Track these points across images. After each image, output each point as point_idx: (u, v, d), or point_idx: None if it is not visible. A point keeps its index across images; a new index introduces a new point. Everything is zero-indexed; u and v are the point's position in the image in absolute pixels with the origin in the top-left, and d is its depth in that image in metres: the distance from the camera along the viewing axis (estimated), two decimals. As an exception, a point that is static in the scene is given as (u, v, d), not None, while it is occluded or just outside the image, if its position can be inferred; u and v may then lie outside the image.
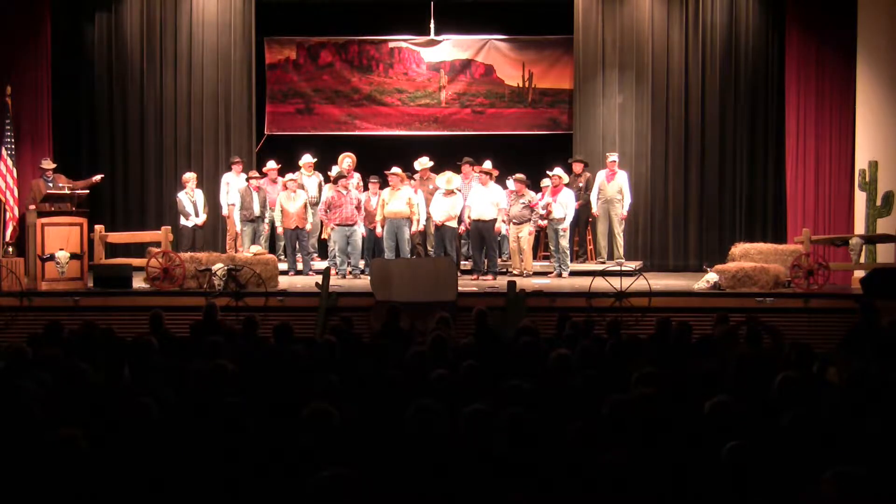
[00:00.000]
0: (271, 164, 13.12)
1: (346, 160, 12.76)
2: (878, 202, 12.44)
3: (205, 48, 13.93)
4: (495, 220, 11.98)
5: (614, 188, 12.83)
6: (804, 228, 11.94)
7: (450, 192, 12.12)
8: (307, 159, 13.08)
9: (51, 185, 11.66)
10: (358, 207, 12.12)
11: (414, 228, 12.22)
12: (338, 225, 12.01)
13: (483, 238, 12.01)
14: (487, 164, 12.57)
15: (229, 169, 13.23)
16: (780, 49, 13.57)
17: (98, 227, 11.67)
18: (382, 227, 12.13)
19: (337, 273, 12.01)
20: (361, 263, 12.24)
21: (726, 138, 13.79)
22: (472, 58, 14.62)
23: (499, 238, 12.75)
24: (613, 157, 12.96)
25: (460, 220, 12.27)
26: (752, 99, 13.76)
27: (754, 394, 5.10)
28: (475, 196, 12.09)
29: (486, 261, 12.09)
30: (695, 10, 13.79)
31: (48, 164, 11.92)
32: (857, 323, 7.80)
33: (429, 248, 12.66)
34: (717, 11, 13.75)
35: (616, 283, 10.05)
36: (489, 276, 11.95)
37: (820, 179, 13.27)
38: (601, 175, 12.93)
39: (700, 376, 5.50)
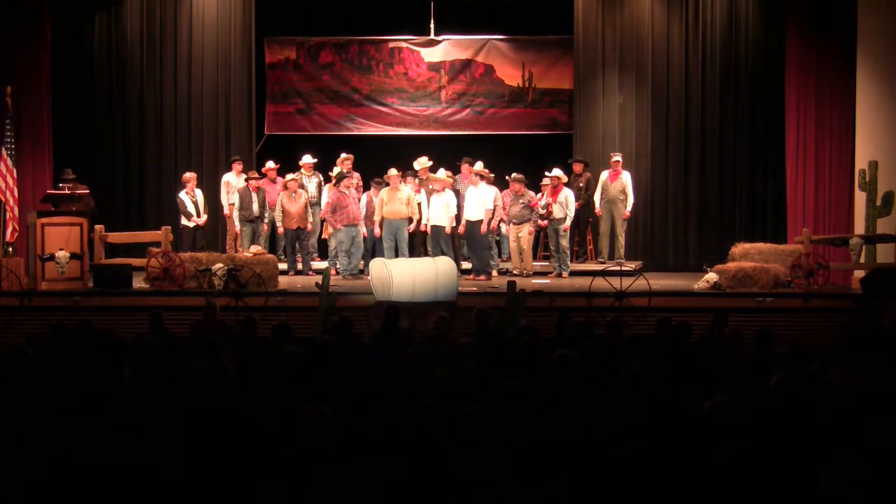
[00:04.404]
0: (270, 164, 13.13)
1: (346, 160, 12.75)
2: (878, 202, 12.42)
3: (205, 48, 13.94)
4: (482, 220, 12.03)
5: (617, 188, 12.82)
6: (804, 228, 11.95)
7: (441, 190, 12.13)
8: (307, 160, 13.07)
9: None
10: (359, 206, 12.17)
11: (413, 227, 12.25)
12: (345, 225, 12.01)
13: (474, 238, 12.07)
14: (478, 165, 12.58)
15: (229, 169, 13.23)
16: (780, 49, 13.57)
17: (98, 227, 11.67)
18: (380, 227, 12.16)
19: (338, 273, 12.01)
20: (361, 264, 12.24)
21: (726, 138, 13.79)
22: (472, 58, 14.62)
23: (497, 237, 12.79)
24: (617, 157, 12.94)
25: (459, 220, 12.30)
26: (752, 99, 13.76)
27: (754, 394, 5.09)
28: (468, 197, 12.19)
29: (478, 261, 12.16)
30: (695, 11, 13.79)
31: (69, 175, 11.85)
32: (857, 323, 7.79)
33: (429, 248, 12.67)
34: (717, 11, 13.75)
35: (616, 283, 10.05)
36: (481, 277, 11.97)
37: (820, 179, 13.27)
38: (604, 175, 12.93)
39: (700, 376, 5.50)
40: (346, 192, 12.10)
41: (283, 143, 14.32)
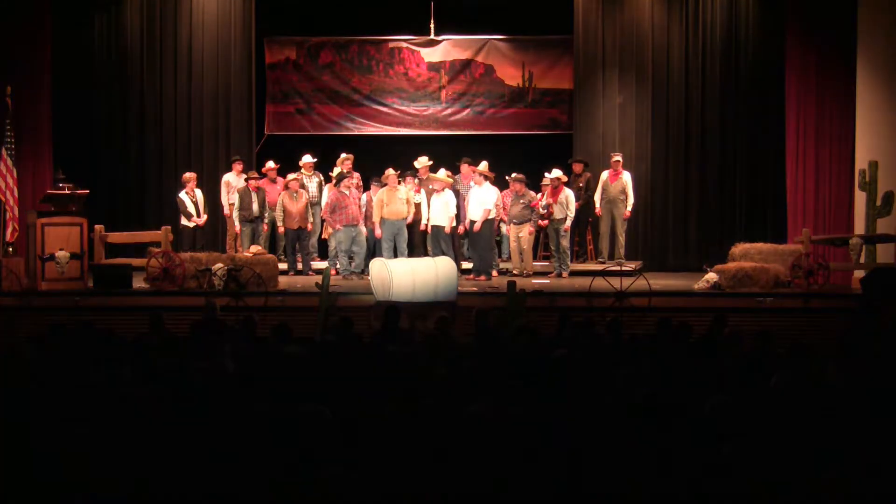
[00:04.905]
0: (270, 164, 13.13)
1: (346, 161, 12.75)
2: (878, 202, 12.42)
3: (205, 48, 13.95)
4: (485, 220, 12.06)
5: (618, 188, 12.83)
6: (804, 228, 11.95)
7: (441, 190, 12.15)
8: (307, 160, 13.08)
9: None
10: (359, 206, 12.17)
11: (409, 221, 12.27)
12: (344, 226, 12.02)
13: (476, 238, 12.08)
14: (482, 165, 12.59)
15: (229, 169, 13.23)
16: (780, 49, 13.56)
17: (98, 227, 11.67)
18: (379, 227, 12.15)
19: (338, 273, 12.01)
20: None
21: (726, 138, 13.80)
22: (472, 58, 14.63)
23: (497, 237, 12.79)
24: (617, 157, 12.95)
25: (459, 220, 12.31)
26: (753, 99, 13.76)
27: (754, 394, 5.09)
28: (471, 197, 12.22)
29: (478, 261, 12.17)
30: (695, 11, 13.80)
31: (60, 175, 11.87)
32: (857, 323, 7.79)
33: (429, 248, 12.67)
34: (717, 12, 13.76)
35: (616, 283, 10.05)
36: (482, 277, 11.98)
37: (820, 180, 13.27)
38: (605, 175, 12.93)
39: (700, 376, 5.50)
40: (346, 192, 12.11)
41: (283, 143, 14.33)
